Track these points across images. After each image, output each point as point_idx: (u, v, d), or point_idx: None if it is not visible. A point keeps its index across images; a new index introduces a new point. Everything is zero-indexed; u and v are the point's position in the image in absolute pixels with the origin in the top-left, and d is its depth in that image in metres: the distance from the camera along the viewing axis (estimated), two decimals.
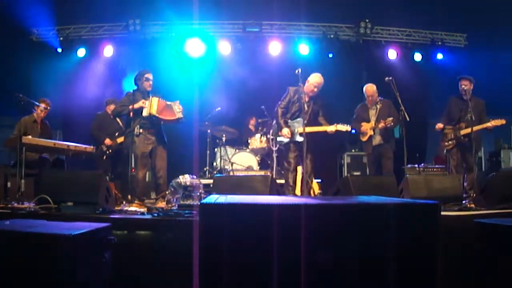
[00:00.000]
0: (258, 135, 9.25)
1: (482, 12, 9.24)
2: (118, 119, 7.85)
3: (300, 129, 6.51)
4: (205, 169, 9.09)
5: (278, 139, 7.05)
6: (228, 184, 5.62)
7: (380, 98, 7.52)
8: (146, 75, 6.57)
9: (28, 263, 2.73)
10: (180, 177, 6.51)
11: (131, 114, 6.31)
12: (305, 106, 6.64)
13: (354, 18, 10.64)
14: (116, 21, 10.60)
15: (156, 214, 4.63)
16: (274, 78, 9.39)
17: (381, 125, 7.20)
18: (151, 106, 6.37)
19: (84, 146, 7.28)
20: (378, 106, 7.45)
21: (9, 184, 6.11)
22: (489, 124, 6.86)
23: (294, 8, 9.88)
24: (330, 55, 10.77)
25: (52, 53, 10.47)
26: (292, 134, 6.73)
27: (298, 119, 6.68)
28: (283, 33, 10.82)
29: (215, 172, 8.79)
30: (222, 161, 9.10)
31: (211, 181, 6.76)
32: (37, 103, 7.24)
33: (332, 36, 10.71)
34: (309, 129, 6.52)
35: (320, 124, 6.80)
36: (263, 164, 9.28)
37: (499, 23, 9.36)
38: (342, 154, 9.87)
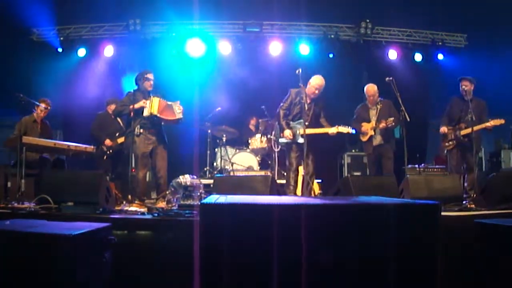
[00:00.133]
0: (258, 135, 9.25)
1: (482, 12, 9.23)
2: (118, 119, 7.86)
3: (302, 131, 6.52)
4: (205, 169, 9.09)
5: (280, 140, 7.06)
6: (229, 184, 5.62)
7: (380, 98, 7.52)
8: (147, 75, 6.57)
9: (28, 263, 2.73)
10: (181, 177, 6.51)
11: (132, 114, 6.31)
12: (306, 107, 6.64)
13: (355, 18, 10.64)
14: (117, 21, 10.60)
15: (156, 214, 4.63)
16: (275, 78, 9.40)
17: (382, 125, 7.19)
18: (151, 106, 6.37)
19: (84, 146, 7.28)
20: (379, 106, 7.44)
21: (9, 184, 6.11)
22: (488, 124, 6.86)
23: (294, 8, 9.88)
24: (331, 55, 10.77)
25: (52, 53, 10.48)
26: (294, 135, 6.74)
27: (300, 120, 6.68)
28: (283, 33, 10.82)
29: (215, 172, 8.79)
30: (222, 161, 9.10)
31: (211, 181, 6.76)
32: (37, 103, 7.23)
33: (332, 36, 10.71)
34: (310, 131, 6.53)
35: (321, 126, 6.80)
36: (263, 164, 9.28)
37: (499, 23, 9.36)
38: (342, 154, 9.86)
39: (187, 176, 6.62)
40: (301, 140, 6.61)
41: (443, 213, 3.12)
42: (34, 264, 2.72)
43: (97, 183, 4.92)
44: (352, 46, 10.90)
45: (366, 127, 7.42)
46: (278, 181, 7.47)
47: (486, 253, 3.41)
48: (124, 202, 5.87)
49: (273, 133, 8.28)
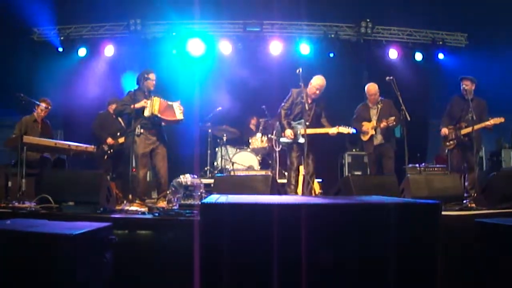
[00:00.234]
0: (259, 135, 9.24)
1: (483, 11, 9.23)
2: (120, 119, 7.86)
3: (303, 131, 6.53)
4: (206, 168, 9.09)
5: (281, 140, 7.07)
6: (229, 184, 5.62)
7: (381, 97, 7.51)
8: (149, 75, 6.57)
9: (29, 263, 2.73)
10: (181, 176, 6.51)
11: (133, 112, 6.31)
12: (307, 107, 6.64)
13: (355, 18, 10.64)
14: (117, 21, 10.61)
15: (157, 214, 4.64)
16: (275, 78, 9.40)
17: (383, 124, 7.19)
18: (152, 106, 6.37)
19: (85, 146, 7.28)
20: (379, 106, 7.44)
21: (10, 184, 6.11)
22: (488, 123, 6.86)
23: (294, 8, 9.88)
24: (331, 55, 10.77)
25: (53, 53, 10.49)
26: (295, 135, 6.75)
27: (301, 120, 6.69)
28: (283, 32, 10.81)
29: (216, 172, 8.79)
30: (223, 160, 9.10)
31: (212, 180, 6.75)
32: (38, 103, 7.23)
33: (333, 35, 10.71)
34: (310, 131, 6.54)
35: (322, 126, 6.81)
36: (264, 164, 9.27)
37: (500, 23, 9.35)
38: (343, 153, 9.86)
39: (187, 175, 6.63)
40: (302, 140, 6.62)
41: (443, 213, 3.12)
42: (35, 264, 2.73)
43: (98, 183, 4.92)
44: (353, 46, 10.90)
45: (367, 126, 7.41)
46: (279, 181, 7.49)
47: (486, 252, 3.41)
48: (125, 202, 5.88)
49: (274, 132, 8.29)
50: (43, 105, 7.33)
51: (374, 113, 7.48)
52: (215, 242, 2.35)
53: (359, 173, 9.36)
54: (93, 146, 7.47)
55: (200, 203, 2.48)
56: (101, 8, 9.80)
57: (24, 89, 7.08)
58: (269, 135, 8.94)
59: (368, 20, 10.49)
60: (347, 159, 9.73)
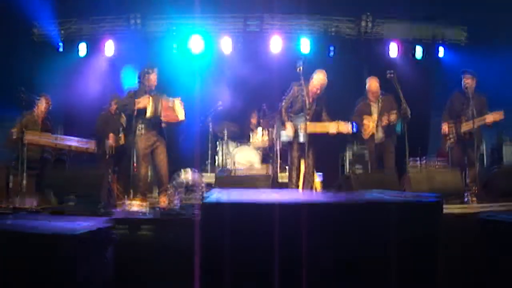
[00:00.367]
0: (259, 131, 9.23)
1: (484, 7, 9.20)
2: (122, 116, 7.85)
3: (303, 126, 6.51)
4: (206, 162, 9.08)
5: (282, 138, 7.03)
6: (230, 184, 5.62)
7: (381, 93, 7.49)
8: (150, 72, 6.53)
9: (30, 262, 2.74)
10: (182, 171, 6.50)
11: (135, 112, 6.29)
12: (307, 103, 6.63)
13: (355, 13, 10.61)
14: (117, 17, 10.59)
15: (158, 213, 4.64)
16: (275, 74, 9.38)
17: (385, 122, 7.18)
18: (155, 108, 6.36)
19: (86, 141, 7.25)
20: (380, 101, 7.43)
21: (11, 183, 6.11)
22: (487, 119, 6.84)
23: (295, 2, 9.87)
24: (331, 50, 10.74)
25: (53, 50, 10.47)
26: (296, 131, 6.73)
27: (301, 114, 6.66)
28: (284, 28, 10.78)
29: (216, 167, 8.78)
30: (224, 156, 9.09)
31: (213, 176, 6.77)
32: (38, 98, 7.23)
33: (333, 31, 10.68)
34: (310, 127, 6.52)
35: (322, 121, 6.81)
36: (265, 159, 9.25)
37: (501, 19, 9.33)
38: (343, 149, 9.85)
39: (188, 170, 6.62)
40: (302, 139, 6.60)
41: (444, 208, 3.12)
42: (36, 264, 2.73)
43: (99, 182, 4.94)
44: (353, 42, 10.87)
45: (368, 120, 7.38)
46: (280, 176, 7.50)
47: (487, 248, 3.41)
48: (126, 198, 5.88)
49: (274, 126, 8.28)
50: (43, 101, 7.32)
51: (375, 109, 7.46)
52: (216, 241, 2.35)
53: (360, 168, 9.35)
54: (94, 143, 7.45)
55: (201, 202, 2.48)
56: (101, 5, 9.80)
57: (25, 87, 7.06)
58: (270, 129, 8.92)
59: (368, 13, 10.47)
60: (348, 155, 9.72)
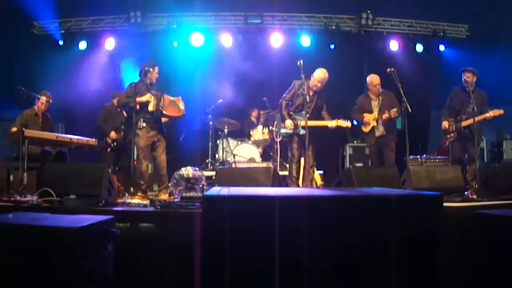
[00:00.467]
0: (260, 127, 9.24)
1: (484, 3, 9.19)
2: (124, 112, 7.84)
3: (303, 122, 6.54)
4: (207, 161, 9.09)
5: (282, 130, 7.08)
6: (231, 176, 5.63)
7: (382, 89, 7.50)
8: (152, 69, 6.57)
9: (31, 256, 2.74)
10: (183, 169, 6.53)
11: (138, 106, 6.31)
12: (308, 99, 6.65)
13: (356, 9, 10.60)
14: (118, 13, 10.58)
15: (158, 207, 4.65)
16: (276, 70, 9.40)
17: (386, 116, 7.18)
18: (158, 102, 6.41)
19: (86, 139, 7.26)
20: (381, 97, 7.43)
21: (11, 178, 6.10)
22: (487, 115, 6.85)
23: (294, 2, 9.86)
24: (332, 46, 10.73)
25: (53, 46, 10.47)
26: (296, 126, 6.76)
27: (302, 112, 6.68)
28: (284, 24, 10.77)
29: (217, 164, 8.79)
30: (224, 153, 9.10)
31: (213, 173, 6.76)
32: (38, 96, 7.22)
33: (333, 27, 10.67)
34: (310, 123, 6.54)
35: (322, 119, 6.83)
36: (265, 156, 9.27)
37: (501, 14, 9.32)
38: (344, 145, 9.86)
39: (189, 168, 6.64)
40: (302, 132, 6.63)
41: (444, 204, 3.13)
42: (37, 258, 2.74)
43: (100, 176, 4.92)
44: (353, 37, 10.86)
45: (368, 117, 7.40)
46: (280, 173, 7.50)
47: (487, 243, 3.41)
48: (127, 195, 5.89)
49: (274, 123, 8.29)
50: (43, 98, 7.31)
51: (375, 105, 7.47)
52: (216, 235, 2.35)
53: (360, 164, 9.36)
54: (94, 140, 7.45)
55: (201, 195, 2.49)
56: (102, 1, 9.77)
57: (25, 83, 7.08)
58: (270, 127, 8.95)
59: (369, 11, 10.46)
60: (348, 150, 9.74)
